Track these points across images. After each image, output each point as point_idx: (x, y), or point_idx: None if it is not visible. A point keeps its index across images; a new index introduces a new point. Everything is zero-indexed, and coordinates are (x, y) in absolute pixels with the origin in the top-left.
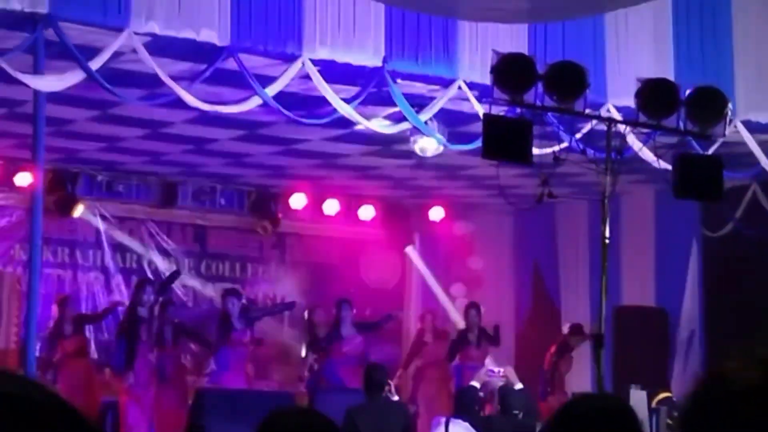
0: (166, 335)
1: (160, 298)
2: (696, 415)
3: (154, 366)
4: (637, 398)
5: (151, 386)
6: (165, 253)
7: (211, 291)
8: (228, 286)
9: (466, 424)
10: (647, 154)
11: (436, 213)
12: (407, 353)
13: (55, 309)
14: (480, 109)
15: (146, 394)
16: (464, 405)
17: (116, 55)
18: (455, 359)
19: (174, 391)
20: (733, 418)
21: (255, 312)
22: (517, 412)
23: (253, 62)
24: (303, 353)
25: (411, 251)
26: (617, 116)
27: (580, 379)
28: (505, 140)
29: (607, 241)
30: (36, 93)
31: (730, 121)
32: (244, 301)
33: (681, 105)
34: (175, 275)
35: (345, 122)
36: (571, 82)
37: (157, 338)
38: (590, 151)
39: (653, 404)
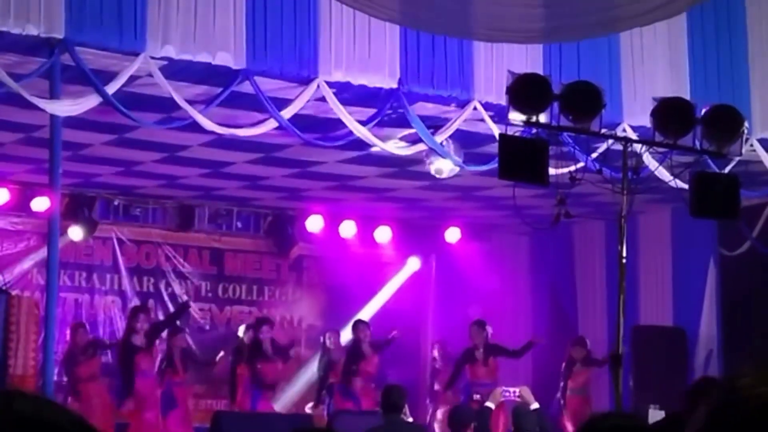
0: (174, 360)
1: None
2: None
3: (159, 392)
4: (656, 418)
5: (156, 411)
6: (182, 276)
7: (228, 314)
8: (245, 309)
9: None
10: (663, 174)
11: (453, 234)
12: (429, 386)
13: (68, 334)
14: (496, 130)
15: (152, 419)
16: (457, 425)
17: (132, 79)
18: (458, 378)
19: (181, 416)
20: None
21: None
22: None
23: (269, 85)
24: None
25: (412, 261)
26: (633, 136)
27: (599, 399)
28: (521, 160)
29: (624, 260)
30: (52, 117)
31: (747, 139)
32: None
33: (697, 124)
34: (184, 307)
35: (361, 144)
36: (586, 101)
37: (166, 364)
38: (607, 171)
39: None
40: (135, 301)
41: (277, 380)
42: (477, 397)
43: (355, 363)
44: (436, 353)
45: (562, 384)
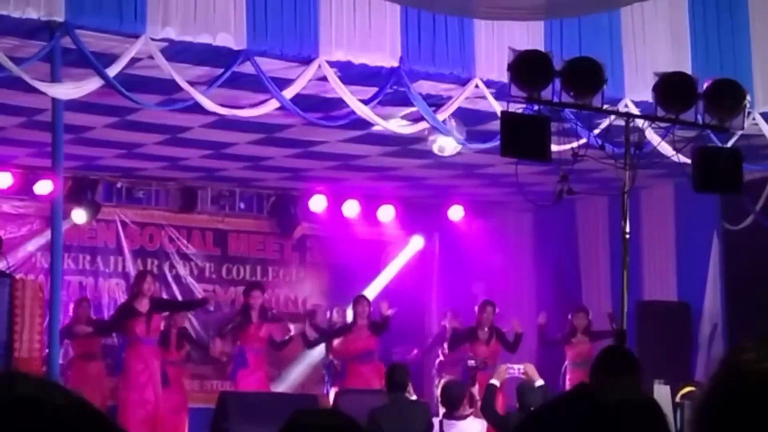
0: (170, 338)
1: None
2: (713, 410)
3: (154, 366)
4: (661, 393)
5: (151, 387)
6: (185, 258)
7: (233, 295)
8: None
9: (461, 425)
10: (666, 149)
11: (456, 212)
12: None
13: (71, 308)
14: (497, 107)
15: (146, 394)
16: (450, 401)
17: (133, 61)
18: (455, 350)
19: (175, 396)
20: (750, 412)
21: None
22: (535, 409)
23: (270, 65)
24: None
25: (415, 240)
26: (635, 111)
27: None
28: (523, 137)
29: (627, 236)
30: (54, 101)
31: (749, 113)
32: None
33: (699, 98)
34: (201, 303)
35: (362, 123)
36: (588, 77)
37: (161, 341)
38: (609, 147)
39: (677, 399)
40: None
41: (263, 350)
42: (471, 363)
43: (349, 334)
44: (447, 323)
45: (553, 338)
